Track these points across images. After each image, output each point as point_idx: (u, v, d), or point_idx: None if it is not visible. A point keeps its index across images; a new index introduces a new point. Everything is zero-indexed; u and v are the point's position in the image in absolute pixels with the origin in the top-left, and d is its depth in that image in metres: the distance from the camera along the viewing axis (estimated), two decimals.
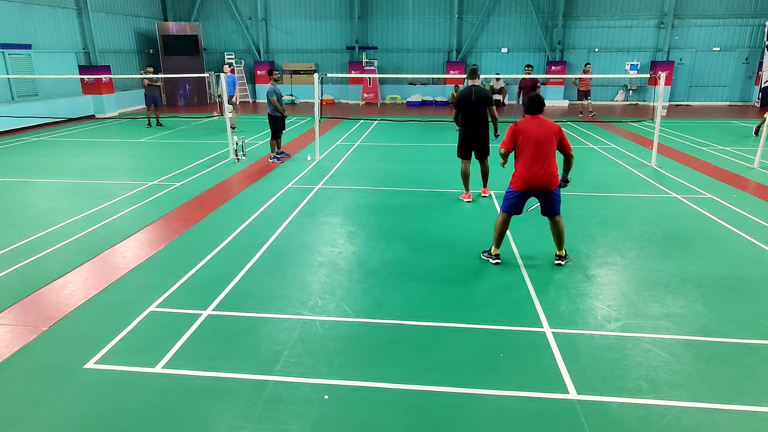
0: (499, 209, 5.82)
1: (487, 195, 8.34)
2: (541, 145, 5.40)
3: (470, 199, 8.12)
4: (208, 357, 3.98)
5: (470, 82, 7.74)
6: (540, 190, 5.49)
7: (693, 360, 3.95)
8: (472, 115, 7.68)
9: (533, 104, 5.54)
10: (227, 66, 14.76)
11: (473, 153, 7.99)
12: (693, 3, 22.18)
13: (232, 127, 14.92)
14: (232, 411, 3.40)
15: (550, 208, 5.59)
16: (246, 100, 24.66)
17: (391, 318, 4.57)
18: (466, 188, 8.15)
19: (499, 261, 5.74)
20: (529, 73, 14.63)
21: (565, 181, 5.68)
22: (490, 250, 5.83)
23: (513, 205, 5.64)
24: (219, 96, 15.67)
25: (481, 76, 15.43)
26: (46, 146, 13.27)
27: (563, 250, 5.75)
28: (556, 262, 5.71)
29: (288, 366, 3.87)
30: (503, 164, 5.73)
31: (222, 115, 14.24)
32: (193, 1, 24.24)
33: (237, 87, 16.92)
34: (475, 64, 8.04)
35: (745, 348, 4.11)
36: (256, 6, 23.93)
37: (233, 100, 15.54)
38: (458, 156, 8.12)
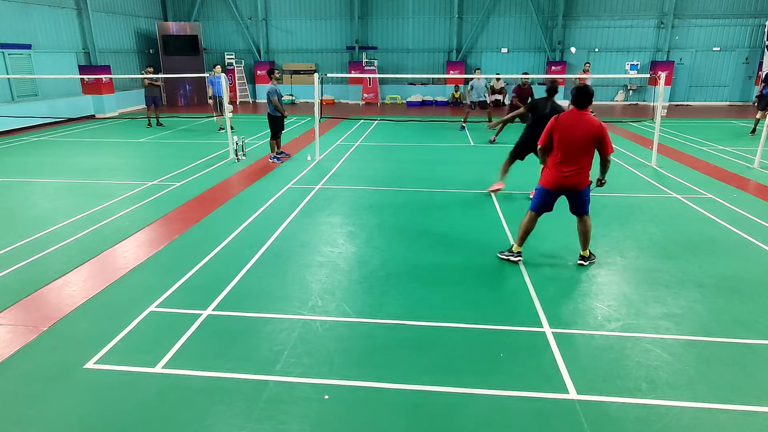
0: (527, 209, 5.72)
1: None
2: (578, 146, 5.22)
3: (501, 187, 8.40)
4: (208, 357, 3.98)
5: (547, 96, 7.97)
6: (569, 189, 5.42)
7: (693, 360, 3.95)
8: (542, 123, 7.90)
9: (582, 96, 5.21)
10: (218, 66, 14.73)
11: (532, 154, 8.15)
12: (693, 3, 22.18)
13: (221, 129, 14.93)
14: (232, 411, 3.40)
15: (579, 207, 5.53)
16: (246, 100, 24.66)
17: (391, 318, 4.57)
18: (501, 178, 8.39)
19: (521, 258, 5.70)
20: (526, 82, 13.77)
21: (600, 182, 5.56)
22: (512, 248, 5.77)
23: (542, 204, 5.55)
24: (210, 97, 15.63)
25: (482, 77, 15.47)
26: (46, 146, 13.27)
27: (587, 251, 5.68)
28: (579, 262, 5.66)
29: (288, 366, 3.87)
30: (544, 165, 5.63)
31: (221, 115, 14.24)
32: (193, 1, 24.23)
33: (227, 88, 16.90)
34: (556, 82, 8.08)
35: (745, 348, 4.11)
36: (256, 6, 23.93)
37: (222, 101, 15.51)
38: (512, 153, 8.31)
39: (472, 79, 15.44)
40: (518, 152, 8.27)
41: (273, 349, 4.08)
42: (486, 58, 23.79)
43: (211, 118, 17.20)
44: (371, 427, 3.28)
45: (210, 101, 15.81)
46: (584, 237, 5.63)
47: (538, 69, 23.39)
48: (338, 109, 21.30)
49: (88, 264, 5.78)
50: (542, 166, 5.65)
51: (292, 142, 13.46)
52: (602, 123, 5.29)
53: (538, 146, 5.54)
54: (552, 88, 7.97)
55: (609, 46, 23.13)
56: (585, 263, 5.65)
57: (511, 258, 5.72)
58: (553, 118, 5.37)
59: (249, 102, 24.62)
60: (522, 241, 5.71)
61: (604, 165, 5.46)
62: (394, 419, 3.34)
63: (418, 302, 4.86)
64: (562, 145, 5.28)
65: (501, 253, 5.85)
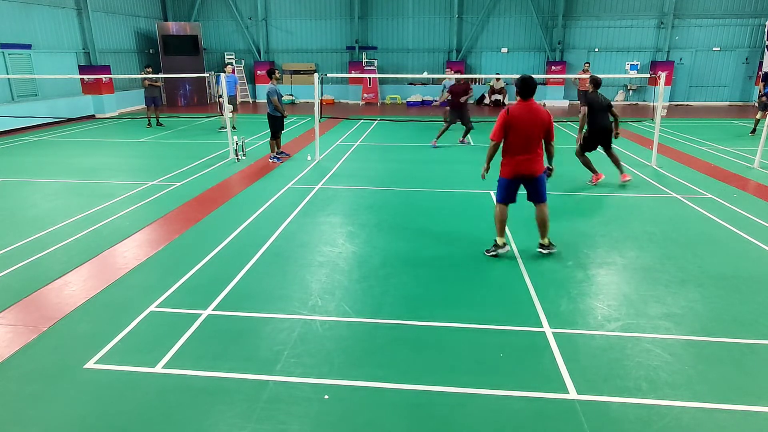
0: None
1: (627, 180, 9.11)
2: (531, 135, 5.46)
3: (602, 177, 9.16)
4: (208, 357, 3.98)
5: (592, 89, 9.02)
6: (527, 176, 5.63)
7: (693, 360, 3.95)
8: (601, 114, 8.95)
9: (527, 87, 5.40)
10: (228, 66, 14.75)
11: (600, 146, 9.13)
12: (693, 3, 22.18)
13: (233, 128, 14.91)
14: (232, 411, 3.40)
15: (538, 193, 5.72)
16: (246, 100, 24.66)
17: (391, 318, 4.57)
18: (594, 171, 9.20)
19: (507, 249, 5.87)
20: (462, 80, 13.29)
21: (549, 170, 5.78)
22: (496, 242, 5.90)
23: (506, 194, 5.78)
24: (219, 96, 15.68)
25: (483, 76, 15.46)
26: (46, 146, 13.27)
27: (546, 239, 5.84)
28: (538, 250, 5.85)
29: (288, 366, 3.87)
30: (486, 170, 5.82)
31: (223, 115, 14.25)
32: (193, 1, 24.23)
33: (237, 87, 16.91)
34: (596, 77, 9.17)
35: (745, 348, 4.11)
36: (256, 6, 23.93)
37: (235, 100, 15.52)
38: (584, 149, 9.18)
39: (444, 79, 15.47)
40: (590, 146, 9.11)
41: (273, 349, 4.08)
42: (486, 58, 23.80)
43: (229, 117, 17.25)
44: (371, 427, 3.28)
45: (220, 100, 15.86)
46: (543, 225, 5.79)
47: (538, 69, 23.39)
48: (338, 109, 21.30)
49: (88, 264, 5.78)
50: (485, 165, 5.85)
51: (292, 142, 13.46)
52: (548, 111, 5.57)
53: (492, 141, 5.65)
54: (597, 82, 9.04)
55: (609, 46, 23.13)
56: (545, 251, 5.81)
57: (499, 251, 5.86)
58: (504, 112, 5.51)
59: (249, 102, 24.62)
60: (502, 232, 5.90)
61: (549, 150, 5.70)
62: (394, 419, 3.34)
63: (418, 302, 4.86)
64: (517, 136, 5.46)
65: (487, 251, 5.94)
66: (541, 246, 5.85)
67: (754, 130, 14.60)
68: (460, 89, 12.96)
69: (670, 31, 22.41)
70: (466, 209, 7.78)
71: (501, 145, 5.63)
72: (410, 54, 24.13)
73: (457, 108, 13.00)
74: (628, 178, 9.12)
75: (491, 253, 5.88)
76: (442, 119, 15.49)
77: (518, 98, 5.49)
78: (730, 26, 22.37)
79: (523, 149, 5.49)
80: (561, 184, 9.06)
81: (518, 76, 5.59)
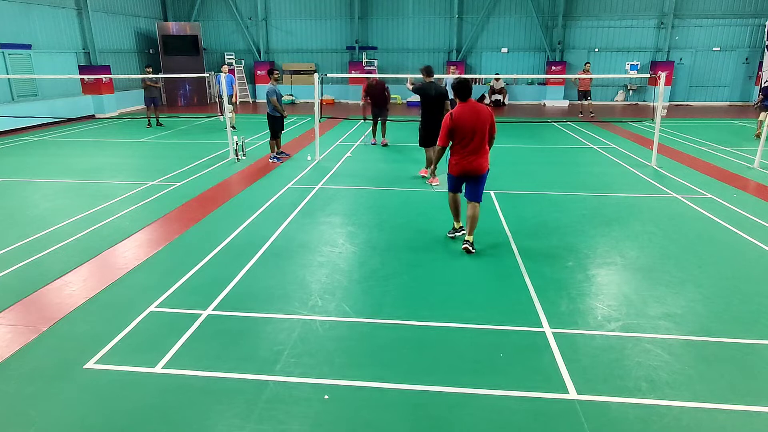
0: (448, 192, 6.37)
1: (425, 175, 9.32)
2: (477, 134, 5.65)
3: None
4: (208, 357, 3.99)
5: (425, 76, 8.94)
6: (473, 174, 5.87)
7: (693, 360, 3.95)
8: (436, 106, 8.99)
9: (463, 88, 5.62)
10: (225, 66, 14.76)
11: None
12: (693, 3, 22.17)
13: (233, 127, 14.90)
14: (232, 411, 3.40)
15: (477, 192, 5.96)
16: (246, 100, 24.66)
17: (391, 318, 4.57)
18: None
19: (464, 230, 6.19)
20: (375, 80, 12.89)
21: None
22: (454, 225, 6.43)
23: (455, 186, 6.17)
24: (219, 96, 15.69)
25: (483, 76, 15.46)
26: (46, 146, 13.27)
27: (471, 237, 6.02)
28: (464, 246, 5.97)
29: (288, 366, 3.87)
30: (433, 173, 6.39)
31: (223, 115, 14.25)
32: (193, 1, 24.23)
33: (235, 86, 16.91)
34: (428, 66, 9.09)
35: (745, 348, 4.11)
36: (256, 6, 23.93)
37: (233, 99, 15.53)
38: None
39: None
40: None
41: (273, 349, 4.09)
42: (486, 58, 23.79)
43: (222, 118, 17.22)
44: (371, 427, 3.28)
45: (219, 100, 15.86)
46: (473, 222, 5.98)
47: (538, 69, 23.39)
48: (338, 109, 21.30)
49: (88, 264, 5.78)
50: (432, 166, 6.28)
51: (292, 142, 13.46)
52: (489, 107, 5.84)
53: (438, 146, 5.91)
54: (429, 70, 8.91)
55: (609, 46, 23.13)
56: (471, 249, 5.92)
57: (458, 234, 6.36)
58: (447, 116, 5.68)
59: (249, 102, 24.62)
60: (457, 216, 6.37)
61: (491, 142, 5.89)
62: (394, 419, 3.34)
63: (418, 302, 4.86)
64: (465, 135, 5.65)
65: (449, 233, 6.46)
66: (466, 242, 5.98)
67: (759, 135, 14.56)
68: (378, 89, 12.73)
69: (670, 31, 22.40)
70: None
71: (448, 147, 5.92)
72: (410, 54, 24.12)
73: (379, 106, 12.99)
74: (426, 174, 9.45)
75: (451, 235, 6.39)
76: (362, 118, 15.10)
77: (457, 101, 5.71)
78: (730, 26, 22.37)
79: (471, 147, 5.70)
80: (560, 184, 9.06)
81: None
